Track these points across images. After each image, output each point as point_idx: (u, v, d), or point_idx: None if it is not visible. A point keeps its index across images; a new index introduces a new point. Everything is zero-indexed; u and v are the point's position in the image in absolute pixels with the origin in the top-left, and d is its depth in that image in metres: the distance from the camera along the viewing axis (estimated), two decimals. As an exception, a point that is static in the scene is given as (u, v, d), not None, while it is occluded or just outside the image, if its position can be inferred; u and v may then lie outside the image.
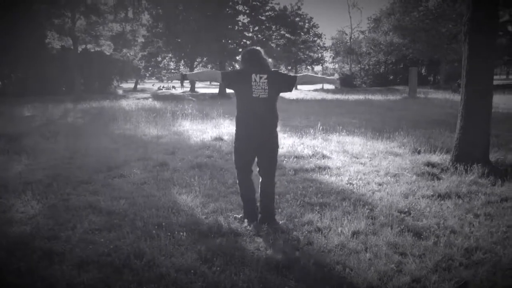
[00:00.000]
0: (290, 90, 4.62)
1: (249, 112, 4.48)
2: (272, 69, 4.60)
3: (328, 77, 5.27)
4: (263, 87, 4.41)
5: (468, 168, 6.64)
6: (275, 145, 4.64)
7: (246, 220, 4.68)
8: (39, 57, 31.66)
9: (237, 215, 4.87)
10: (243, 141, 4.57)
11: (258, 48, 4.68)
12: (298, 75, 4.83)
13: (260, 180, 4.71)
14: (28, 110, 17.65)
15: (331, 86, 48.07)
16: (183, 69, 43.98)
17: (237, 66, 33.91)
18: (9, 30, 26.80)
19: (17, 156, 8.34)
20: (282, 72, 4.75)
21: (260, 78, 4.41)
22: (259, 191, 4.73)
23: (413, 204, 5.29)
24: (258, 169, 4.72)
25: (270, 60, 4.65)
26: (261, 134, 4.51)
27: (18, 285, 3.33)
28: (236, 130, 4.62)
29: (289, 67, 52.98)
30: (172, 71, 45.04)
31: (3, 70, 33.32)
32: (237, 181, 4.88)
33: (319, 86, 49.02)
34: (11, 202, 5.40)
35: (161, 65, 45.60)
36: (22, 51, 29.81)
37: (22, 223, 4.74)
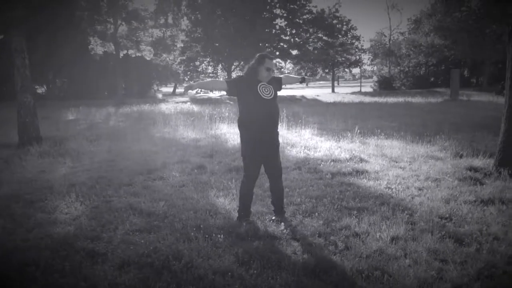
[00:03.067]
0: (280, 90, 4.92)
1: (261, 113, 4.64)
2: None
3: (295, 76, 5.45)
4: (269, 90, 4.71)
5: (513, 173, 6.41)
6: (279, 142, 4.89)
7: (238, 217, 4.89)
8: (82, 62, 32.71)
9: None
10: (256, 144, 4.67)
11: (265, 53, 4.89)
12: (282, 75, 5.13)
13: (270, 181, 4.99)
14: (72, 114, 18.28)
15: (369, 89, 47.43)
16: (221, 77, 44.40)
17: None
18: (53, 37, 27.78)
19: (61, 158, 8.66)
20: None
21: (261, 85, 4.70)
22: (271, 191, 5.00)
23: (455, 209, 5.16)
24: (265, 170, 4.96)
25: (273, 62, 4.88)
26: (272, 132, 4.75)
27: (62, 284, 3.45)
28: (245, 136, 4.75)
29: (326, 70, 52.57)
30: (211, 75, 45.60)
31: (47, 75, 34.59)
32: (244, 190, 4.87)
33: (356, 89, 48.45)
34: (56, 204, 5.61)
35: (199, 69, 46.22)
36: (66, 56, 30.85)
37: (66, 223, 4.92)
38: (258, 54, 4.87)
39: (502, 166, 6.68)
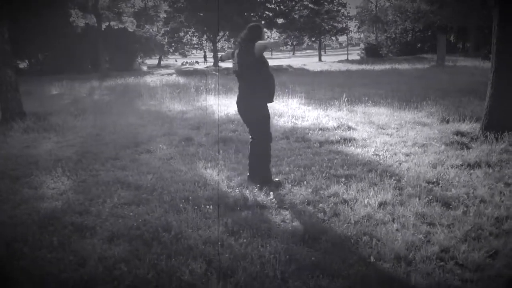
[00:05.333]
0: (255, 58, 4.77)
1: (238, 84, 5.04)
2: (251, 43, 4.73)
3: (272, 41, 5.70)
4: (236, 61, 4.88)
5: (499, 137, 6.47)
6: (255, 112, 5.01)
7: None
8: (64, 35, 31.87)
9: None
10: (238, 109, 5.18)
11: (253, 24, 4.97)
12: (256, 44, 4.80)
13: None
14: (56, 89, 17.94)
15: (356, 57, 47.23)
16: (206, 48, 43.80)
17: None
18: (33, 10, 27.02)
19: (46, 134, 8.54)
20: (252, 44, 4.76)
21: (236, 53, 4.90)
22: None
23: (442, 174, 5.21)
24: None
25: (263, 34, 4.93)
26: (243, 103, 5.03)
27: (51, 259, 3.43)
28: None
29: (313, 38, 52.08)
30: (195, 46, 45.00)
31: (29, 50, 33.73)
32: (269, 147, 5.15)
33: (343, 57, 48.20)
34: (42, 179, 5.54)
35: (184, 40, 45.53)
36: (47, 30, 30.06)
37: (54, 198, 4.87)
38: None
39: (488, 130, 6.74)
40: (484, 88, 7.40)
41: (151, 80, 21.95)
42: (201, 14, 36.83)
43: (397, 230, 3.80)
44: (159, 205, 4.49)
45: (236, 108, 5.28)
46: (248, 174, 5.20)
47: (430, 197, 4.43)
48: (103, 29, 34.40)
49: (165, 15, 42.20)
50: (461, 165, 5.56)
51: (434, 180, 5.03)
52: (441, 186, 4.84)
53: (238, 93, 5.12)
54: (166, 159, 6.41)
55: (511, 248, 3.39)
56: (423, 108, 9.41)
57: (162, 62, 51.33)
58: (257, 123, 5.06)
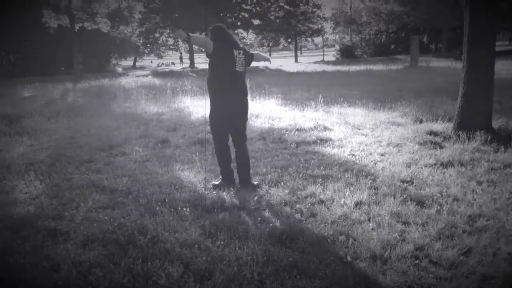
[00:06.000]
0: (249, 66, 5.15)
1: (230, 83, 4.85)
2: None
3: (265, 55, 5.63)
4: (241, 61, 4.91)
5: (471, 136, 6.61)
6: (246, 113, 5.08)
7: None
8: (36, 37, 31.25)
9: (215, 182, 5.14)
10: (223, 111, 4.90)
11: (223, 25, 5.12)
12: (254, 52, 5.39)
13: (235, 150, 5.15)
14: (28, 91, 17.53)
15: (331, 58, 47.67)
16: (182, 49, 43.55)
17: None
18: (4, 10, 26.41)
19: (19, 137, 8.34)
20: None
21: (239, 53, 4.90)
22: (236, 159, 5.15)
23: (416, 173, 5.29)
24: (231, 139, 5.17)
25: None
26: (239, 103, 4.95)
27: (24, 265, 3.35)
28: (213, 103, 4.94)
29: (289, 40, 52.31)
30: (171, 47, 44.76)
31: (0, 52, 33.03)
32: (217, 151, 5.18)
33: (319, 58, 48.57)
34: (15, 183, 5.41)
35: (159, 42, 45.13)
36: (19, 31, 29.44)
37: (26, 203, 4.76)
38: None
39: (461, 129, 6.87)
40: (457, 88, 7.55)
41: (126, 81, 21.67)
42: (177, 15, 36.59)
43: (372, 229, 3.84)
44: (134, 208, 4.43)
45: (222, 111, 4.93)
46: (239, 179, 5.14)
47: (404, 196, 4.50)
48: (76, 30, 33.83)
49: (140, 16, 41.79)
50: (435, 164, 5.66)
51: (409, 179, 5.11)
52: (415, 185, 4.92)
53: (227, 96, 4.84)
54: (142, 161, 6.33)
55: (484, 245, 3.46)
56: (397, 108, 9.55)
57: (137, 64, 50.75)
58: (245, 124, 5.16)
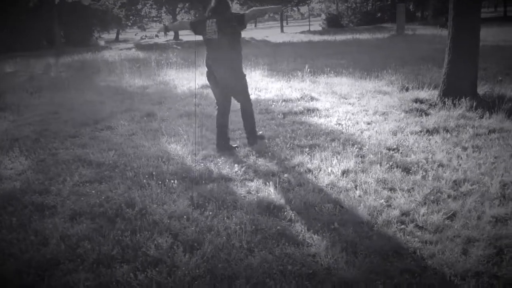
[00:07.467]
0: (242, 27, 5.15)
1: (211, 52, 5.14)
2: (227, 12, 5.08)
3: (272, 6, 5.79)
4: (213, 29, 5.00)
5: (456, 102, 6.65)
6: (238, 78, 5.22)
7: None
8: (16, 11, 30.45)
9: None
10: (212, 80, 5.26)
11: None
12: (247, 11, 5.28)
13: (240, 107, 5.51)
14: (10, 67, 17.15)
15: (318, 28, 47.20)
16: (166, 21, 42.79)
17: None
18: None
19: (1, 112, 8.21)
20: (235, 12, 5.34)
21: (212, 22, 5.00)
22: (242, 116, 5.50)
23: (402, 140, 5.33)
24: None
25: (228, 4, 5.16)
26: (227, 70, 5.11)
27: (11, 239, 3.34)
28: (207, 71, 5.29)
29: (275, 10, 51.47)
30: (154, 19, 43.97)
31: (-22, 27, 32.15)
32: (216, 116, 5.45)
33: (305, 28, 48.08)
34: (-1, 159, 5.35)
35: (142, 13, 44.18)
36: (-3, 5, 28.65)
37: (12, 179, 4.72)
38: None
39: (446, 96, 6.91)
40: (443, 55, 7.54)
41: (110, 55, 21.27)
42: (159, -14, 35.76)
43: (359, 196, 3.88)
44: (122, 181, 4.42)
45: (208, 79, 5.35)
46: (247, 139, 5.49)
47: (390, 163, 4.54)
48: (56, 2, 32.99)
49: (121, -13, 40.70)
50: (420, 131, 5.71)
51: (395, 146, 5.15)
52: (401, 152, 4.96)
53: (212, 63, 5.16)
54: (128, 135, 6.28)
55: (468, 209, 3.53)
56: (384, 77, 9.54)
57: (120, 36, 49.76)
58: (242, 87, 5.31)
